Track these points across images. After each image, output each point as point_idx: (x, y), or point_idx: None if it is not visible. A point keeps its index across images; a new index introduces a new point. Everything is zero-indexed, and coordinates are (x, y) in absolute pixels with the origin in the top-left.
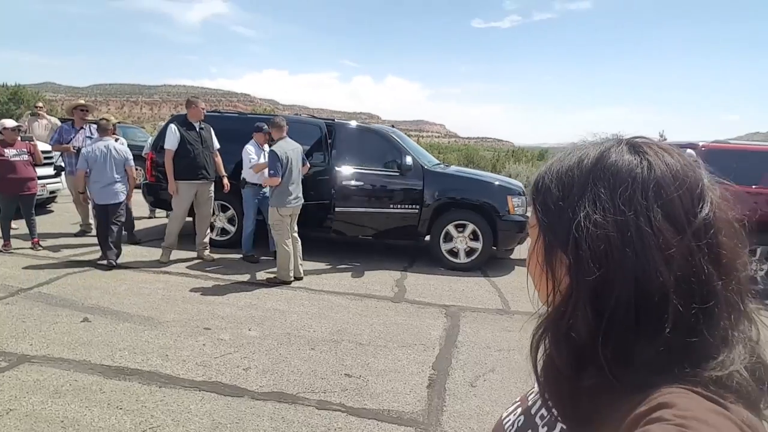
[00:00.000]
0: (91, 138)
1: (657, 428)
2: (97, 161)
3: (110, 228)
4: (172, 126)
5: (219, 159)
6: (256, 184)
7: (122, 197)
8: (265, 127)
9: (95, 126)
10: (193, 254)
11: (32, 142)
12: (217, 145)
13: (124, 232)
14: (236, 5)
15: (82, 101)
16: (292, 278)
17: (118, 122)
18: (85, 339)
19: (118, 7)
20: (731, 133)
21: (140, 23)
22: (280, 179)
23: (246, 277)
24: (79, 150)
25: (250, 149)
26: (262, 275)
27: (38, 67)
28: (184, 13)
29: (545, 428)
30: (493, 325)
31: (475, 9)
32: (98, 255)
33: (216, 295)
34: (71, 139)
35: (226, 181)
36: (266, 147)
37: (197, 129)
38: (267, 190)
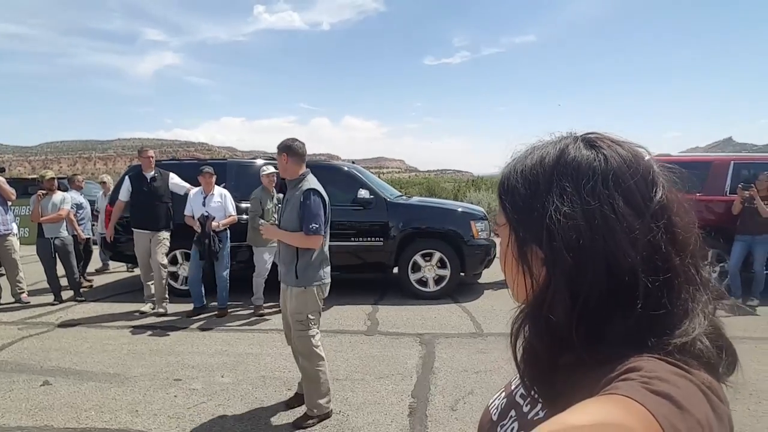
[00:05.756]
0: None
1: (624, 385)
2: (81, 207)
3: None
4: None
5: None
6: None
7: None
8: (207, 168)
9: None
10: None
11: None
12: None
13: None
14: (188, 56)
15: None
16: (331, 408)
17: (62, 177)
18: (45, 403)
19: (66, 63)
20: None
21: (90, 78)
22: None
23: (215, 325)
24: None
25: (192, 195)
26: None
27: None
28: (135, 65)
29: (528, 407)
30: (468, 348)
31: (426, 47)
32: (56, 315)
33: (185, 345)
34: None
35: None
36: (217, 191)
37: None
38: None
